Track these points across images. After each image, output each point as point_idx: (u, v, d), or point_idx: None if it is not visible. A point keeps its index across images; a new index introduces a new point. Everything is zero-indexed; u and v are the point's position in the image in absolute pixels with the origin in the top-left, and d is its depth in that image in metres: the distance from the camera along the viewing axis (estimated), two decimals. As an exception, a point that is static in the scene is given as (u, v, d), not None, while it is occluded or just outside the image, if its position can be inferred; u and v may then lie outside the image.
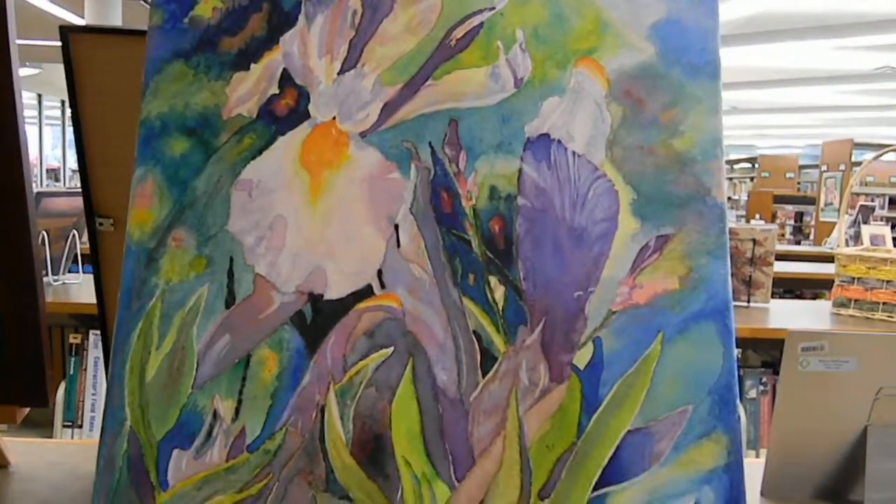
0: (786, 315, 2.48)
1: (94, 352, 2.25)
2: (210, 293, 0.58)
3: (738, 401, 0.56)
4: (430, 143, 0.59)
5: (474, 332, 0.57)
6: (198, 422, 0.56)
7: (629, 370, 0.56)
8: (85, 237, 2.49)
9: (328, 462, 0.55)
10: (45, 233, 2.27)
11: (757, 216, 7.95)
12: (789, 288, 3.81)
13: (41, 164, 9.57)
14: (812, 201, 8.80)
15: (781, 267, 3.54)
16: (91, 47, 0.76)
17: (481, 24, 0.59)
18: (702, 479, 0.54)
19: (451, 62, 0.59)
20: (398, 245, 0.58)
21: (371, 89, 0.59)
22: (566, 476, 0.54)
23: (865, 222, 5.44)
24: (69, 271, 2.55)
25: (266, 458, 0.55)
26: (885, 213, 8.06)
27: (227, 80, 0.59)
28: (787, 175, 10.91)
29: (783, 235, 8.29)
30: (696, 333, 0.57)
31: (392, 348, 0.57)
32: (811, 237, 8.11)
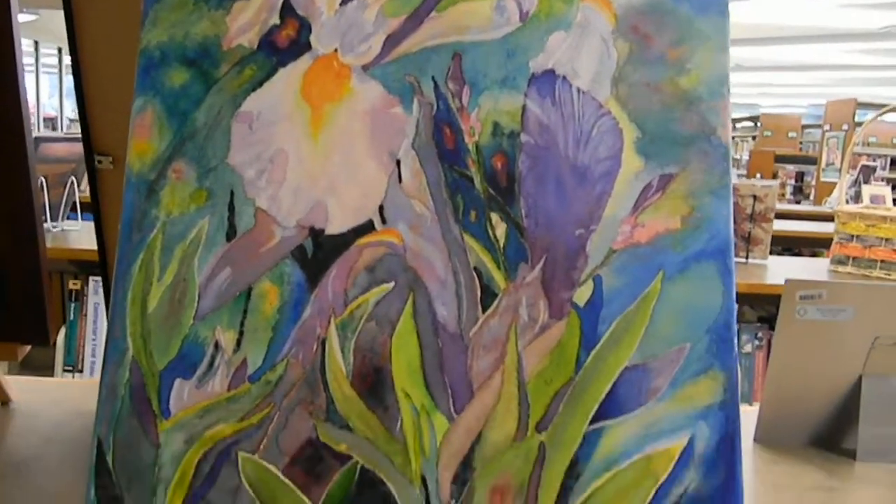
0: (783, 271, 2.48)
1: (95, 298, 2.26)
2: (211, 226, 0.58)
3: (735, 339, 0.57)
4: (433, 78, 0.58)
5: (475, 268, 0.57)
6: (199, 353, 0.56)
7: (629, 308, 0.56)
8: (84, 185, 2.48)
9: (329, 393, 0.55)
10: (43, 179, 2.26)
11: (758, 175, 7.92)
12: (788, 246, 3.81)
13: (38, 112, 9.48)
14: (813, 161, 8.76)
15: (780, 225, 3.53)
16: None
17: (487, -44, 0.58)
18: (698, 415, 0.55)
19: (456, -6, 0.58)
20: (400, 181, 0.58)
21: (374, 21, 0.58)
22: (563, 410, 0.55)
23: (866, 182, 5.42)
24: (67, 219, 2.55)
25: (267, 389, 0.55)
26: (886, 173, 8.04)
27: (227, 9, 0.58)
28: (790, 134, 10.85)
29: (783, 195, 8.27)
30: (697, 272, 0.57)
31: (393, 283, 0.57)
32: (811, 197, 8.10)
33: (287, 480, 0.54)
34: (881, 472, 0.97)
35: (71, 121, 9.75)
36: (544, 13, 0.58)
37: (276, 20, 0.59)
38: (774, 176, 8.39)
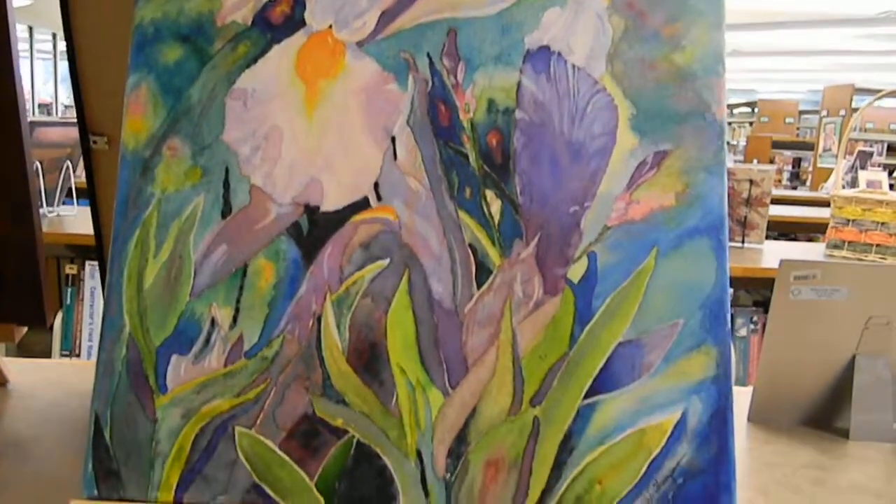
0: (779, 255, 2.49)
1: (91, 282, 2.26)
2: (206, 203, 0.58)
3: (728, 315, 0.57)
4: (427, 54, 0.58)
5: (470, 244, 0.57)
6: (196, 329, 0.56)
7: (622, 284, 0.57)
8: (80, 171, 2.48)
9: (325, 368, 0.56)
10: (38, 163, 2.25)
11: (755, 161, 7.92)
12: (784, 231, 3.82)
13: (33, 98, 9.43)
14: (810, 147, 8.76)
15: (777, 210, 3.54)
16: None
17: (482, -68, 0.58)
18: (691, 390, 0.56)
19: (451, -30, 0.58)
20: (395, 157, 0.58)
21: (368, -3, 0.58)
22: (557, 384, 0.55)
23: (863, 168, 5.43)
24: (63, 204, 2.54)
25: (263, 365, 0.56)
26: (882, 159, 8.04)
27: (221, -15, 0.58)
28: (787, 120, 10.83)
29: (780, 181, 8.27)
30: (691, 249, 0.57)
31: (388, 260, 0.57)
32: (808, 183, 8.10)
33: (283, 455, 0.54)
34: (873, 451, 0.98)
35: (66, 107, 9.70)
36: (539, -11, 0.58)
37: (270, -4, 0.58)
38: (771, 161, 8.39)
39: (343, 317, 0.56)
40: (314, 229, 0.57)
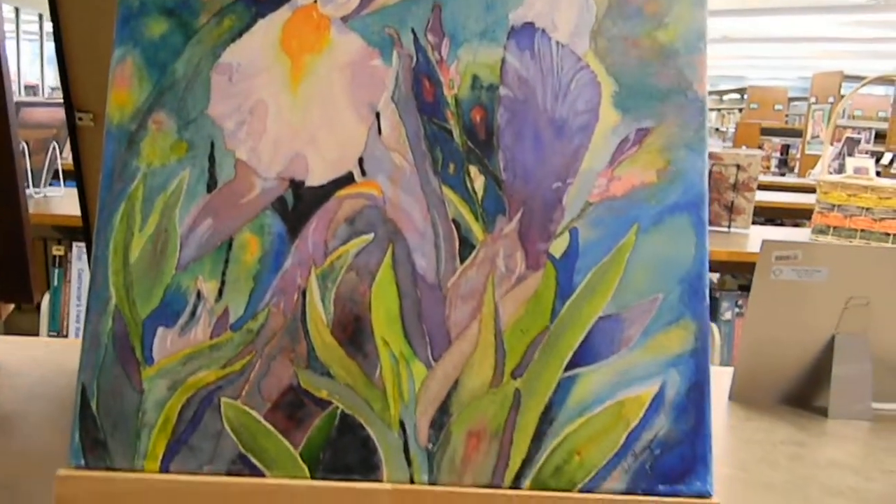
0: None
1: (78, 264, 2.25)
2: (191, 177, 0.58)
3: (707, 290, 0.58)
4: (412, 30, 0.59)
5: (453, 220, 0.58)
6: (182, 302, 0.57)
7: (603, 259, 0.58)
8: (67, 153, 2.46)
9: (309, 341, 0.56)
10: (24, 143, 2.24)
11: (743, 147, 7.94)
12: (770, 217, 3.84)
13: (19, 80, 9.35)
14: (799, 134, 8.80)
15: (763, 196, 3.56)
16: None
17: None
18: (669, 363, 0.57)
19: (436, -53, 0.58)
20: (379, 133, 0.59)
21: (353, -28, 0.58)
22: (538, 357, 0.56)
23: (850, 155, 5.45)
24: (50, 185, 2.53)
25: (249, 337, 0.56)
26: (870, 146, 8.08)
27: (206, -41, 0.58)
28: (776, 107, 10.86)
29: (768, 168, 8.31)
30: (671, 225, 0.58)
31: (372, 235, 0.58)
32: (796, 170, 8.14)
33: (269, 425, 0.55)
34: (851, 429, 1.00)
35: (53, 88, 9.61)
36: (523, -34, 0.58)
37: (255, -29, 0.58)
38: (760, 148, 8.42)
39: (328, 290, 0.57)
40: (299, 204, 0.58)
